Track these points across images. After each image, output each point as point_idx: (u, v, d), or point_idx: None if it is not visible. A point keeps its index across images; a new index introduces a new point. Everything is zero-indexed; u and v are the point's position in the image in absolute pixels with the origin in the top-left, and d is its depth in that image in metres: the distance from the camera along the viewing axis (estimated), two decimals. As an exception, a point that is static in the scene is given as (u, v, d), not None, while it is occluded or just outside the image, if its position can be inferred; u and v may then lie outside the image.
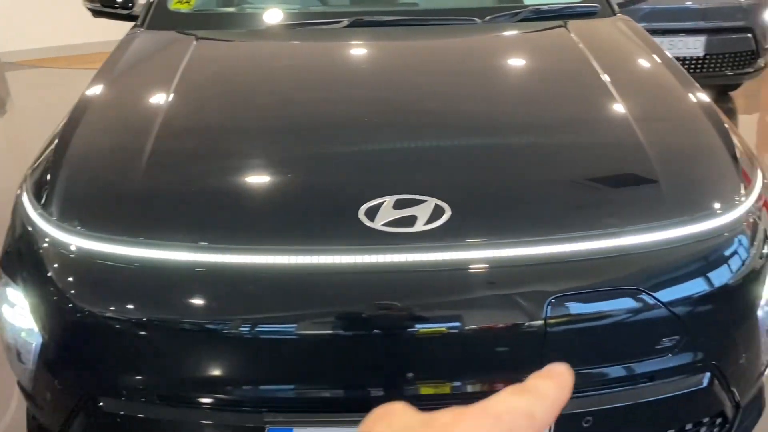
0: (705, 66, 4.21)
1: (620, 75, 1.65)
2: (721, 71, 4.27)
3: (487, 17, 2.00)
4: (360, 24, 1.96)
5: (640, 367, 1.22)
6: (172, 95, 1.57)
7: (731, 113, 4.62)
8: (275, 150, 1.42)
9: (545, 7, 2.05)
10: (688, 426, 1.34)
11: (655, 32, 4.21)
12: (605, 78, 1.60)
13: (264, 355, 1.18)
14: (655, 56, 1.79)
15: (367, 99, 1.60)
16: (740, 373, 1.35)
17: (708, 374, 1.29)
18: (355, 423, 1.18)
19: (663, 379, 1.25)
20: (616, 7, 2.12)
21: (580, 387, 1.22)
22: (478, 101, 1.60)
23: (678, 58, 4.17)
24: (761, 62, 4.39)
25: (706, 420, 1.36)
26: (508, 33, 1.99)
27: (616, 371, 1.22)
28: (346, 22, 1.95)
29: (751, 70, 4.34)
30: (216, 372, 1.21)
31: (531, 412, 0.36)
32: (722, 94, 4.85)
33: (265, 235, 1.20)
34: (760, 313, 1.32)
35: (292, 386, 1.19)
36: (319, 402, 1.20)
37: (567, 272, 1.17)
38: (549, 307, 1.14)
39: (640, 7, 4.16)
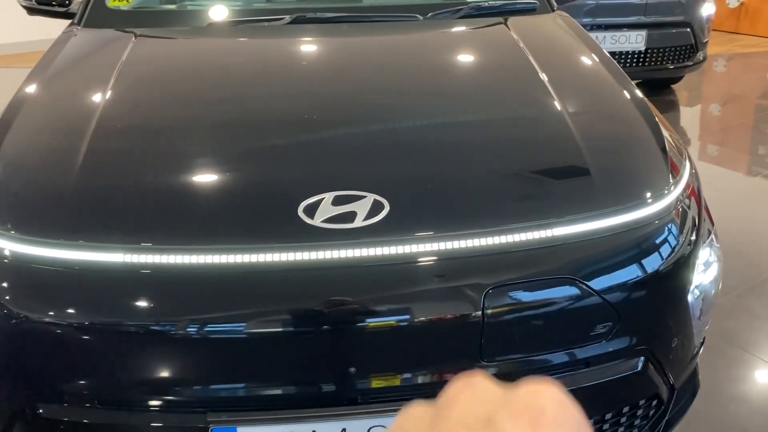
0: (647, 60, 4.34)
1: (556, 71, 1.69)
2: (662, 65, 4.40)
3: (429, 14, 2.03)
4: (302, 21, 1.96)
5: (576, 354, 1.26)
6: (109, 93, 1.55)
7: (674, 105, 4.77)
8: (213, 147, 1.41)
9: (486, 4, 2.09)
10: (625, 409, 1.39)
11: (599, 27, 4.33)
12: (542, 74, 1.64)
13: (205, 354, 1.18)
14: (591, 52, 1.84)
15: (306, 95, 1.60)
16: (674, 356, 1.40)
17: (642, 358, 1.34)
18: (299, 419, 1.20)
19: (598, 365, 1.29)
20: (554, 4, 2.17)
21: (517, 375, 1.27)
22: (417, 97, 1.62)
23: (621, 53, 4.30)
24: (700, 56, 4.54)
25: (642, 403, 1.41)
26: (448, 30, 2.01)
27: (553, 358, 1.25)
28: (288, 18, 1.94)
29: (690, 63, 4.49)
30: (158, 374, 1.19)
31: None
32: (665, 87, 5.00)
33: (204, 234, 1.20)
34: (690, 297, 1.37)
35: (234, 385, 1.19)
36: (262, 400, 1.20)
37: (503, 263, 1.20)
38: (486, 299, 1.17)
39: (585, 3, 4.26)
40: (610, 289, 1.23)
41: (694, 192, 1.45)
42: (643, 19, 4.23)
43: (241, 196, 1.28)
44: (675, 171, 1.42)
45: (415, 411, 0.35)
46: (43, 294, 1.20)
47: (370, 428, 1.20)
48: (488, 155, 1.40)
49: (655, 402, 1.43)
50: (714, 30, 7.26)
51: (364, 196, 1.23)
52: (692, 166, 1.51)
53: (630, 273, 1.25)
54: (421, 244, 1.18)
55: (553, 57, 1.82)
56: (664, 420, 1.46)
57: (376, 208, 1.21)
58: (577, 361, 1.27)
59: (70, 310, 1.18)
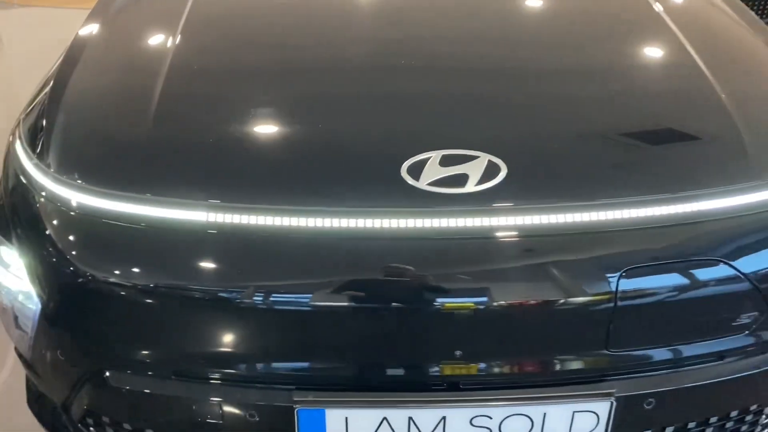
0: None
1: (691, 23, 1.47)
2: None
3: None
4: None
5: (712, 346, 1.10)
6: (180, 32, 1.39)
7: None
8: (303, 96, 1.25)
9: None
10: (753, 407, 1.23)
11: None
12: (672, 24, 1.42)
13: (293, 327, 1.05)
14: (727, 5, 1.60)
15: (405, 39, 1.41)
16: None
17: (779, 352, 1.17)
18: (395, 404, 1.05)
19: (733, 358, 1.13)
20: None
21: (642, 367, 1.12)
22: (532, 41, 1.42)
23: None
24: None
25: (770, 398, 1.24)
26: None
27: (685, 349, 1.09)
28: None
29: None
30: (236, 345, 1.08)
31: None
32: None
33: (293, 194, 1.06)
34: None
35: (323, 363, 1.06)
36: (354, 380, 1.07)
37: (642, 240, 1.03)
38: (621, 280, 1.00)
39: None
40: (762, 275, 1.05)
41: None
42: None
43: (334, 152, 1.13)
44: None
45: None
46: (111, 251, 1.09)
47: (473, 418, 1.06)
48: (622, 113, 1.22)
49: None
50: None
51: (477, 157, 1.06)
52: None
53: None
54: (545, 214, 1.02)
55: (688, 10, 1.59)
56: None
57: (491, 170, 1.05)
58: (710, 354, 1.11)
59: (139, 271, 1.06)
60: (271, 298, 1.03)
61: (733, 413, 1.21)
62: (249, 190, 1.07)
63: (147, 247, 1.07)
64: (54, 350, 1.18)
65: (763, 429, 1.29)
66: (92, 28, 1.50)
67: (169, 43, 1.36)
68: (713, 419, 1.20)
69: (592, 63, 1.35)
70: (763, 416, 1.26)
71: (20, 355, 1.30)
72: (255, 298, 1.02)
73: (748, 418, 1.24)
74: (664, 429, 1.18)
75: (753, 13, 1.56)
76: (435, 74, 1.30)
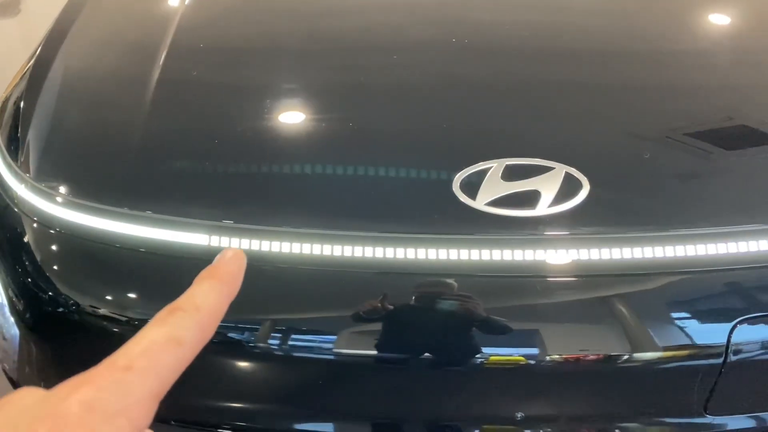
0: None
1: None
2: None
3: None
4: None
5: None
6: (180, 12, 1.16)
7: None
8: (330, 91, 1.01)
9: None
10: None
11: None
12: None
13: (311, 377, 0.85)
14: None
15: (457, 22, 1.13)
16: None
17: None
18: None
19: None
20: None
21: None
22: (620, 38, 1.13)
23: None
24: None
25: None
26: None
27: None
28: None
29: None
30: (243, 392, 0.88)
31: (176, 337, 0.30)
32: None
33: (316, 215, 0.84)
34: None
35: (353, 426, 0.86)
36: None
37: (761, 283, 0.79)
38: (733, 333, 0.78)
39: None
40: None
41: None
42: None
43: (367, 163, 0.89)
44: None
45: None
46: (98, 277, 0.89)
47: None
48: (728, 125, 0.95)
49: None
50: None
51: (552, 168, 0.83)
52: None
53: None
54: (640, 245, 0.78)
55: None
56: None
57: (570, 186, 0.81)
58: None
59: (131, 298, 0.86)
60: (285, 341, 0.82)
61: None
62: (266, 210, 0.86)
63: (133, 270, 0.87)
64: (37, 379, 1.01)
65: None
66: (77, 5, 1.27)
67: (168, 21, 1.12)
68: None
69: (691, 64, 1.07)
70: None
71: (5, 372, 1.16)
72: (264, 339, 0.82)
73: None
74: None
75: None
76: (495, 66, 1.03)
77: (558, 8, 1.17)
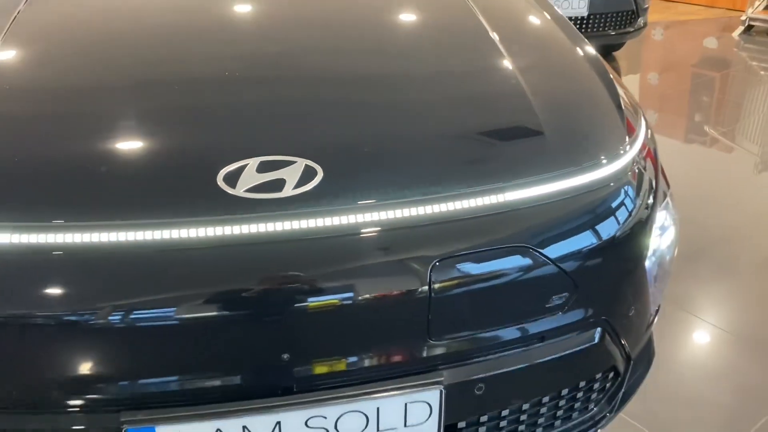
0: (589, 25, 4.29)
1: (507, 29, 1.57)
2: (604, 30, 4.37)
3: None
4: None
5: (530, 328, 1.16)
6: (3, 38, 1.35)
7: (619, 72, 4.76)
8: (119, 106, 1.22)
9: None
10: (581, 383, 1.31)
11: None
12: (492, 33, 1.52)
13: (117, 345, 1.02)
14: (543, 11, 1.73)
15: (229, 47, 1.42)
16: (630, 325, 1.33)
17: (599, 330, 1.26)
18: (227, 415, 1.04)
19: (554, 339, 1.20)
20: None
21: (467, 354, 1.17)
22: (354, 53, 1.47)
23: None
24: (641, 21, 4.53)
25: (598, 376, 1.33)
26: None
27: (506, 334, 1.15)
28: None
29: (632, 29, 4.48)
30: (63, 369, 1.03)
31: None
32: (606, 55, 4.98)
33: (109, 209, 1.04)
34: (647, 263, 1.29)
35: (150, 379, 1.04)
36: (184, 395, 1.05)
37: (450, 233, 1.08)
38: (433, 272, 1.05)
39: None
40: (567, 257, 1.13)
41: (650, 153, 1.36)
42: (585, -17, 4.17)
43: (150, 164, 1.12)
44: (631, 131, 1.33)
45: None
46: None
47: (308, 420, 1.08)
48: (432, 115, 1.27)
49: (611, 374, 1.36)
50: (652, -2, 7.30)
51: (294, 162, 1.09)
52: (648, 127, 1.43)
53: (586, 239, 1.15)
54: (359, 214, 1.05)
55: (504, 15, 1.70)
56: (621, 392, 1.39)
57: (307, 174, 1.07)
58: (531, 336, 1.17)
59: None
60: (96, 318, 1.00)
61: (564, 391, 1.29)
62: (68, 207, 1.04)
63: None
64: None
65: (596, 404, 1.37)
66: None
67: None
68: (545, 399, 1.27)
69: (409, 69, 1.41)
70: (593, 392, 1.35)
71: None
72: (78, 318, 0.99)
73: (579, 395, 1.32)
74: (500, 413, 1.24)
75: (573, 27, 1.69)
76: (251, 83, 1.31)
77: (301, 39, 1.49)
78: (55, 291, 1.00)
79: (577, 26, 4.26)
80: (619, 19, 4.37)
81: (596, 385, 1.34)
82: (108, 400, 1.04)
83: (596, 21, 4.28)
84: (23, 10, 1.50)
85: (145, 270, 1.01)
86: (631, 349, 1.36)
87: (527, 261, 1.10)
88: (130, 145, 1.15)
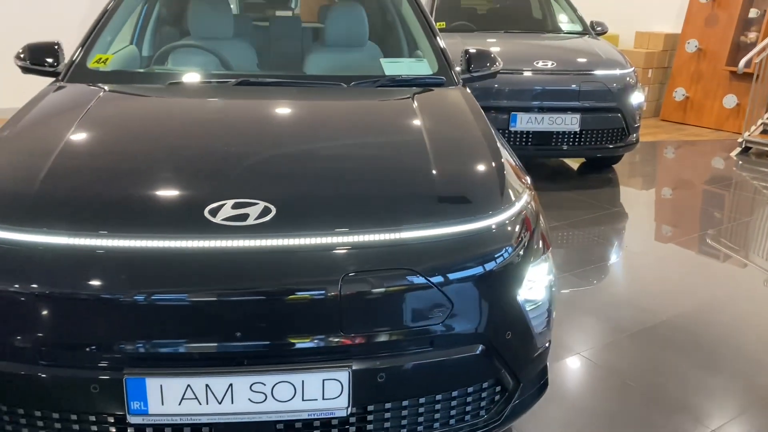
0: (582, 140, 4.83)
1: (433, 124, 2.17)
2: (597, 145, 4.89)
3: (352, 83, 2.49)
4: (246, 83, 2.42)
5: (419, 333, 1.60)
6: (72, 130, 1.98)
7: (614, 182, 5.23)
8: (146, 166, 1.84)
9: (400, 77, 2.56)
10: (471, 389, 1.71)
11: (540, 109, 4.83)
12: (420, 125, 2.09)
13: (128, 318, 1.51)
14: (469, 111, 2.29)
15: (228, 134, 2.07)
16: (511, 348, 1.74)
17: (481, 345, 1.67)
18: (197, 375, 1.53)
19: (441, 346, 1.63)
20: (459, 80, 2.64)
21: (372, 347, 1.61)
22: (311, 140, 2.09)
23: (559, 132, 4.80)
24: (633, 138, 5.05)
25: (485, 385, 1.73)
26: (364, 95, 2.47)
27: (399, 335, 1.59)
28: (234, 81, 2.40)
29: (623, 144, 4.99)
30: (97, 333, 1.51)
31: None
32: (606, 167, 5.49)
33: (134, 226, 1.58)
34: (519, 299, 1.72)
35: (147, 346, 1.51)
36: (170, 358, 1.52)
37: (358, 256, 1.57)
38: (342, 283, 1.52)
39: (531, 89, 4.80)
40: (444, 282, 1.59)
41: (527, 218, 1.83)
42: (577, 104, 4.76)
43: (162, 201, 1.69)
44: (507, 199, 1.81)
45: None
46: None
47: (252, 384, 1.52)
48: (355, 179, 1.84)
49: (498, 388, 1.76)
50: (663, 120, 7.85)
51: (257, 203, 1.62)
52: (531, 200, 1.90)
53: (459, 270, 1.61)
54: (297, 239, 1.56)
55: (435, 114, 2.29)
56: (508, 407, 1.78)
57: (265, 211, 1.60)
58: (421, 340, 1.61)
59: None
60: (116, 297, 1.50)
61: (455, 393, 1.70)
62: (108, 222, 1.59)
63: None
64: None
65: (486, 411, 1.76)
66: (4, 130, 2.06)
67: (61, 137, 1.94)
68: (439, 397, 1.68)
69: (346, 151, 2.03)
70: (483, 401, 1.74)
71: None
72: (105, 296, 1.50)
73: (469, 399, 1.72)
74: (401, 402, 1.65)
75: (490, 127, 2.23)
76: (237, 156, 1.92)
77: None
78: (96, 277, 1.51)
79: (572, 140, 4.82)
80: (610, 135, 4.90)
81: (485, 394, 1.74)
82: (116, 358, 1.52)
83: (588, 136, 4.83)
84: (93, 106, 2.15)
85: (155, 267, 1.53)
86: (517, 371, 1.76)
87: (413, 280, 1.57)
88: (150, 188, 1.72)
